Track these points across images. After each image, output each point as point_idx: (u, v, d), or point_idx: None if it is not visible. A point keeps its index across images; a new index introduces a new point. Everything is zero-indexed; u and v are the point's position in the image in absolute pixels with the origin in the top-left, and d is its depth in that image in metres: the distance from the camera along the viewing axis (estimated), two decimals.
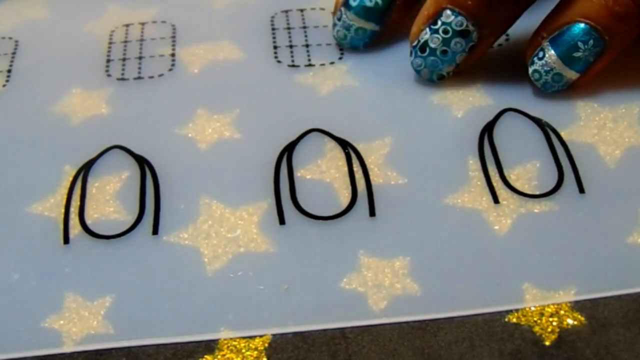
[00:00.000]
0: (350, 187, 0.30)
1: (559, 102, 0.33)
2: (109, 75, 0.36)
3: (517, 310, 0.27)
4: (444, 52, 0.32)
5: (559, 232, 0.29)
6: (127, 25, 0.38)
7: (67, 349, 0.26)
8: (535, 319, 0.26)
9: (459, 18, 0.31)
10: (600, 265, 0.28)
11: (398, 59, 0.35)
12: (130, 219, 0.30)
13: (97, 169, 0.32)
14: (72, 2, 0.40)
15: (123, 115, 0.34)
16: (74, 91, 0.35)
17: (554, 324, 0.26)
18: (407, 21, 0.34)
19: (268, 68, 0.36)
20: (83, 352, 0.26)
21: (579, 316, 0.26)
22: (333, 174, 0.31)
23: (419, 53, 0.32)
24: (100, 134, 0.33)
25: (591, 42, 0.31)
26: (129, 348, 0.26)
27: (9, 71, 0.36)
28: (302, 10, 0.39)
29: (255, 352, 0.26)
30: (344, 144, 0.32)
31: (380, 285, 0.27)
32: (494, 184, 0.30)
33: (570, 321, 0.26)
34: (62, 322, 0.27)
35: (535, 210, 0.29)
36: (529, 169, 0.31)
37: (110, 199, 0.31)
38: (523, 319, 0.26)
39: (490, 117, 0.33)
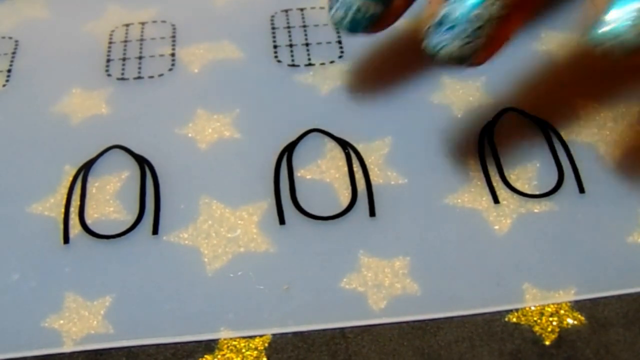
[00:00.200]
0: (350, 187, 0.30)
1: (559, 102, 0.33)
2: (109, 75, 0.36)
3: (517, 310, 0.27)
4: (475, 16, 0.26)
5: (559, 232, 0.29)
6: (127, 25, 0.38)
7: (67, 348, 0.26)
8: (535, 318, 0.26)
9: None
10: (600, 265, 0.28)
11: (398, 59, 0.35)
12: (130, 218, 0.30)
13: (97, 168, 0.32)
14: (72, 2, 0.40)
15: (123, 115, 0.34)
16: (74, 91, 0.35)
17: (554, 323, 0.26)
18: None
19: (268, 68, 0.36)
20: (83, 352, 0.26)
21: (579, 316, 0.26)
22: (333, 174, 0.31)
23: (439, 28, 0.26)
24: (100, 134, 0.33)
25: None
26: (129, 348, 0.26)
27: (9, 71, 0.36)
28: (302, 10, 0.38)
29: (255, 352, 0.26)
30: (344, 144, 0.32)
31: (380, 285, 0.27)
32: (494, 184, 0.30)
33: (570, 321, 0.26)
34: (62, 321, 0.27)
35: (535, 210, 0.29)
36: (529, 169, 0.31)
37: (110, 198, 0.31)
38: (523, 319, 0.26)
39: (490, 117, 0.33)
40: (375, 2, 0.30)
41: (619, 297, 0.27)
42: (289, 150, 0.32)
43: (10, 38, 0.38)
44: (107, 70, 0.36)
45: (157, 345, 0.26)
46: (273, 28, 0.38)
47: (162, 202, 0.30)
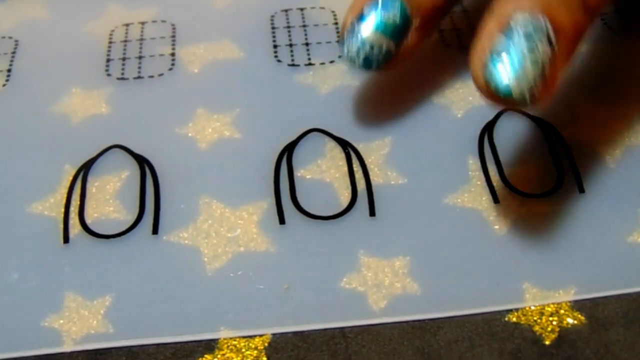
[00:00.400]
0: (350, 187, 0.30)
1: (559, 102, 0.33)
2: (108, 75, 0.36)
3: (517, 310, 0.27)
4: (533, 58, 0.26)
5: (559, 232, 0.29)
6: (127, 25, 0.38)
7: (67, 348, 0.26)
8: (535, 318, 0.26)
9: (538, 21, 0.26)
10: (600, 265, 0.28)
11: None
12: (130, 218, 0.30)
13: (97, 168, 0.32)
14: (72, 1, 0.40)
15: (123, 114, 0.34)
16: (74, 91, 0.35)
17: (554, 323, 0.26)
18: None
19: (268, 67, 0.36)
20: (83, 352, 0.26)
21: (579, 315, 0.26)
22: (333, 174, 0.31)
23: (497, 62, 0.26)
24: (100, 134, 0.33)
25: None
26: (128, 347, 0.26)
27: (9, 71, 0.36)
28: (302, 9, 0.39)
29: (255, 352, 0.26)
30: (344, 144, 0.32)
31: (380, 285, 0.27)
32: (494, 184, 0.30)
33: (570, 320, 0.26)
34: (62, 321, 0.27)
35: (535, 210, 0.29)
36: (529, 168, 0.31)
37: (110, 198, 0.31)
38: (523, 319, 0.26)
39: (490, 117, 0.33)
40: (389, 40, 0.31)
41: (619, 296, 0.27)
42: (289, 150, 0.32)
43: (10, 38, 0.38)
44: (107, 70, 0.36)
45: (157, 345, 0.26)
46: (273, 28, 0.38)
47: (162, 202, 0.30)
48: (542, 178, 0.30)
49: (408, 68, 0.34)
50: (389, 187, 0.30)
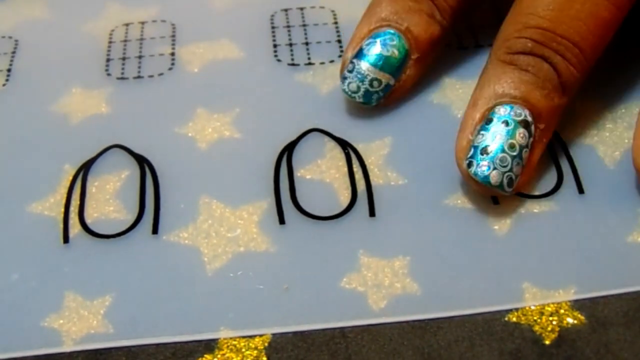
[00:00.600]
0: (350, 187, 0.30)
1: None
2: (108, 75, 0.36)
3: (517, 310, 0.27)
4: (511, 146, 0.28)
5: (558, 232, 0.29)
6: (127, 25, 0.38)
7: (67, 348, 0.26)
8: (535, 318, 0.26)
9: (519, 110, 0.29)
10: (600, 265, 0.28)
11: None
12: (130, 218, 0.30)
13: (97, 168, 0.32)
14: (72, 1, 0.40)
15: (123, 114, 0.34)
16: (74, 90, 0.35)
17: (554, 323, 0.26)
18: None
19: (268, 67, 0.36)
20: (83, 352, 0.26)
21: (579, 315, 0.26)
22: (333, 174, 0.31)
23: (480, 156, 0.28)
24: (100, 133, 0.33)
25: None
26: (128, 347, 0.26)
27: (9, 70, 0.36)
28: (301, 9, 0.39)
29: (255, 352, 0.26)
30: (344, 144, 0.32)
31: (380, 285, 0.27)
32: None
33: (570, 320, 0.26)
34: (61, 321, 0.27)
35: (535, 211, 0.29)
36: None
37: (110, 198, 0.31)
38: (523, 318, 0.26)
39: None
40: (388, 75, 0.31)
41: (619, 296, 0.27)
42: (288, 149, 0.32)
43: (10, 37, 0.38)
44: (106, 70, 0.36)
45: (157, 345, 0.26)
46: (273, 27, 0.38)
47: (161, 202, 0.30)
48: (542, 178, 0.30)
49: None
50: (389, 188, 0.30)
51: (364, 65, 0.32)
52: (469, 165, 0.28)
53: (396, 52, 0.32)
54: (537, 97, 0.29)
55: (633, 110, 0.32)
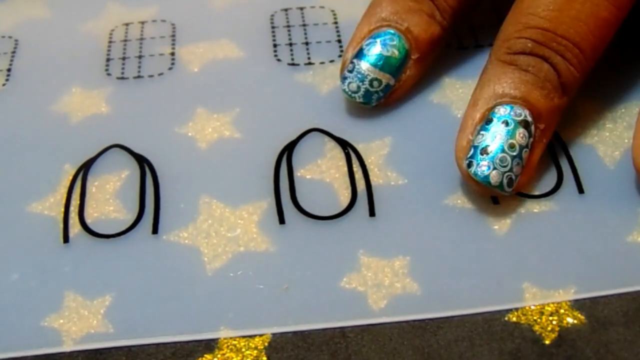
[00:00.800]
0: (350, 187, 0.30)
1: None
2: (108, 74, 0.36)
3: (517, 309, 0.27)
4: (511, 146, 0.28)
5: (558, 232, 0.29)
6: (127, 24, 0.38)
7: (67, 348, 0.26)
8: (535, 317, 0.26)
9: (518, 110, 0.29)
10: (600, 264, 0.28)
11: None
12: (130, 218, 0.30)
13: (97, 168, 0.32)
14: (72, 1, 0.40)
15: (123, 114, 0.34)
16: (74, 90, 0.35)
17: (554, 322, 0.26)
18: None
19: (268, 67, 0.36)
20: (83, 351, 0.26)
21: (579, 315, 0.26)
22: (333, 174, 0.31)
23: (480, 156, 0.28)
24: (100, 133, 0.33)
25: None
26: (128, 347, 0.26)
27: (9, 70, 0.36)
28: (301, 9, 0.39)
29: (255, 352, 0.26)
30: (344, 144, 0.32)
31: (380, 285, 0.27)
32: None
33: (570, 320, 0.26)
34: (61, 321, 0.27)
35: (535, 210, 0.29)
36: None
37: (110, 198, 0.31)
38: (523, 318, 0.26)
39: None
40: (388, 75, 0.31)
41: (619, 295, 0.27)
42: (288, 149, 0.32)
43: (10, 37, 0.38)
44: (106, 70, 0.36)
45: (157, 345, 0.26)
46: (273, 27, 0.38)
47: (161, 202, 0.30)
48: (541, 178, 0.30)
49: None
50: (389, 187, 0.30)
51: (364, 66, 0.32)
52: (469, 165, 0.28)
53: (396, 52, 0.32)
54: (537, 97, 0.29)
55: (633, 110, 0.32)
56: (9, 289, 0.28)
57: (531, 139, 0.29)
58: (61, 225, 0.30)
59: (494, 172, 0.28)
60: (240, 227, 0.29)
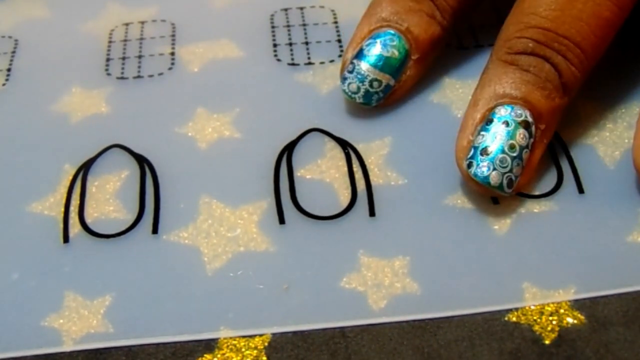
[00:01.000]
0: (350, 187, 0.30)
1: None
2: (108, 74, 0.36)
3: (516, 309, 0.27)
4: (512, 147, 0.28)
5: (558, 232, 0.29)
6: (126, 24, 0.38)
7: (67, 348, 0.26)
8: (535, 317, 0.26)
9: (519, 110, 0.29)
10: (600, 264, 0.28)
11: None
12: (130, 218, 0.30)
13: (97, 167, 0.32)
14: (72, 1, 0.40)
15: (123, 114, 0.34)
16: (74, 90, 0.35)
17: (554, 322, 0.26)
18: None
19: (268, 66, 0.36)
20: (83, 351, 0.26)
21: (579, 315, 0.26)
22: (333, 174, 0.31)
23: (480, 157, 0.28)
24: (100, 133, 0.33)
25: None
26: (128, 347, 0.26)
27: (9, 70, 0.36)
28: (301, 8, 0.39)
29: (255, 351, 0.26)
30: (344, 144, 0.32)
31: (380, 285, 0.27)
32: None
33: (570, 320, 0.26)
34: (61, 321, 0.27)
35: (535, 210, 0.29)
36: None
37: (110, 198, 0.31)
38: (523, 318, 0.26)
39: None
40: (388, 75, 0.31)
41: (619, 295, 0.27)
42: (288, 149, 0.32)
43: (10, 37, 0.38)
44: (106, 69, 0.36)
45: (157, 345, 0.26)
46: (273, 27, 0.38)
47: (161, 202, 0.30)
48: (542, 178, 0.30)
49: None
50: (389, 187, 0.30)
51: (364, 66, 0.32)
52: (469, 165, 0.28)
53: (396, 52, 0.32)
54: (538, 97, 0.29)
55: (633, 111, 0.32)
56: (9, 289, 0.28)
57: (532, 140, 0.29)
58: (61, 225, 0.30)
59: (494, 172, 0.28)
60: (240, 227, 0.29)
